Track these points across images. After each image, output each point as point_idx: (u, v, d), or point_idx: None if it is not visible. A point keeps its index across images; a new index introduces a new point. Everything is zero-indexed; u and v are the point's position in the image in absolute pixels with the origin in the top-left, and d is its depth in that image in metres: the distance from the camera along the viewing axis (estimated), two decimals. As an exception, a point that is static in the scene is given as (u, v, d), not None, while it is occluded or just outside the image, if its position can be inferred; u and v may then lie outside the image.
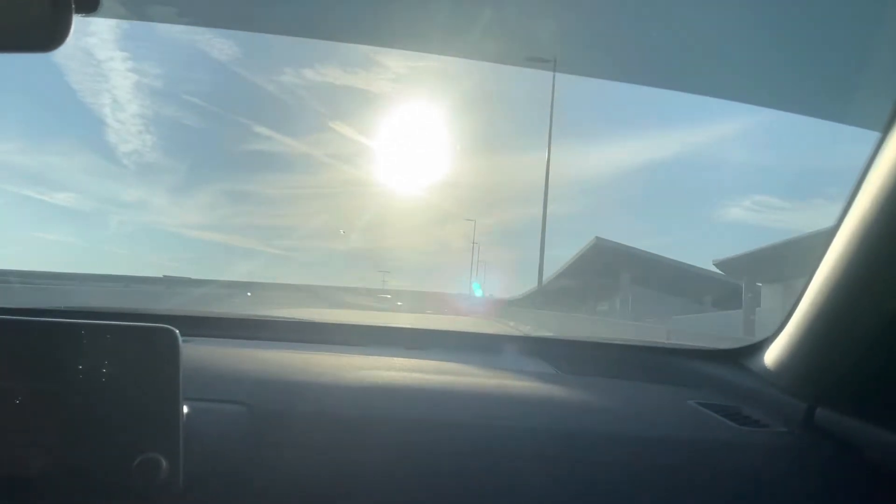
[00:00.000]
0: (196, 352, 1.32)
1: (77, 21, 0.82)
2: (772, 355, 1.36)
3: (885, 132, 1.04)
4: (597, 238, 20.86)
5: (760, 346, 1.44)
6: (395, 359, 1.51)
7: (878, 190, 1.03)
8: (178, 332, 1.03)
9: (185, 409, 1.03)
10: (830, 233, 1.16)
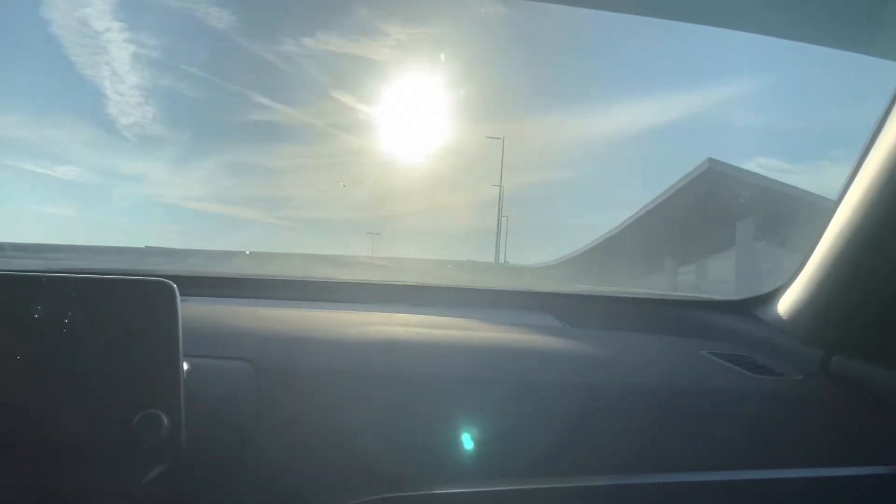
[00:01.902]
0: (196, 310, 1.29)
1: None
2: (785, 304, 1.34)
3: None
4: (710, 161, 12.97)
5: (772, 296, 1.42)
6: (399, 314, 1.48)
7: (894, 142, 1.00)
8: (175, 285, 1.00)
9: (186, 366, 1.00)
10: (846, 181, 1.13)
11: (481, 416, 1.11)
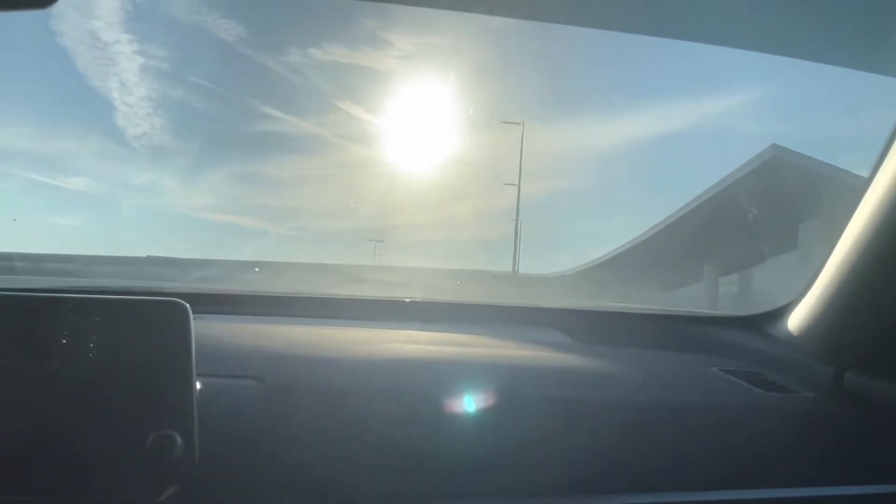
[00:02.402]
0: (207, 328, 1.30)
1: (81, 2, 0.78)
2: (795, 320, 1.33)
3: None
4: (774, 149, 10.79)
5: (782, 312, 1.41)
6: (409, 332, 1.48)
7: None
8: (188, 305, 1.00)
9: (198, 385, 1.00)
10: (857, 197, 1.13)
11: (491, 434, 1.11)
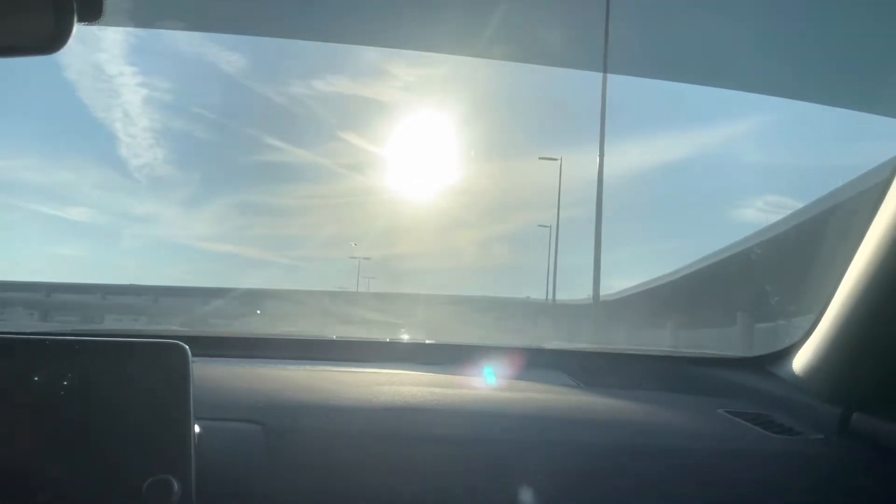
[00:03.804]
0: (206, 371, 1.29)
1: (87, 35, 0.80)
2: (801, 361, 1.32)
3: None
4: None
5: (788, 353, 1.40)
6: (410, 374, 1.47)
7: None
8: (188, 348, 1.00)
9: (197, 429, 0.99)
10: (859, 236, 1.13)
11: (493, 479, 1.09)
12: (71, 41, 0.78)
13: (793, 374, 1.35)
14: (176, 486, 0.93)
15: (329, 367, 1.54)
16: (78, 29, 0.80)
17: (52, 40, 0.78)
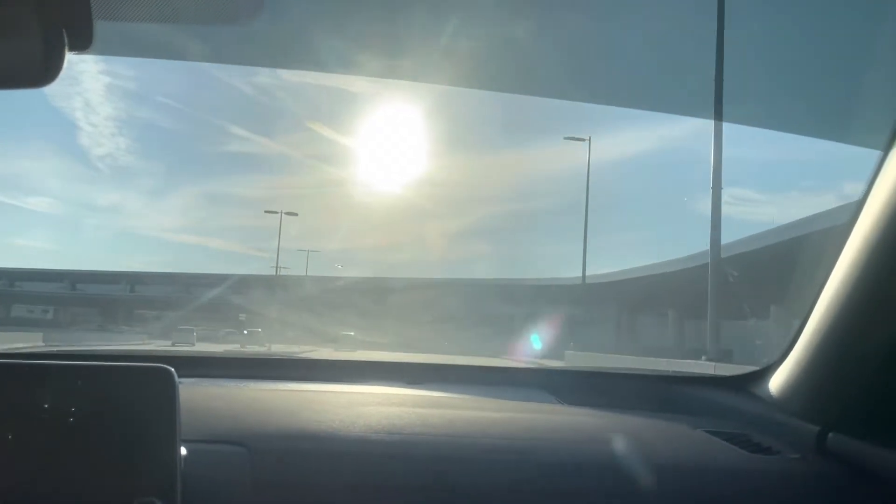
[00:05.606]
0: (193, 392, 1.29)
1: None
2: (779, 381, 1.34)
3: (886, 151, 1.04)
4: None
5: (766, 372, 1.43)
6: (395, 393, 1.48)
7: (881, 212, 1.03)
8: (174, 371, 1.00)
9: (183, 451, 1.00)
10: (833, 254, 1.15)
11: (475, 498, 1.10)
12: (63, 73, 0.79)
13: (770, 393, 1.37)
14: None
15: (315, 387, 1.55)
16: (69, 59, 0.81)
17: (46, 70, 0.79)
